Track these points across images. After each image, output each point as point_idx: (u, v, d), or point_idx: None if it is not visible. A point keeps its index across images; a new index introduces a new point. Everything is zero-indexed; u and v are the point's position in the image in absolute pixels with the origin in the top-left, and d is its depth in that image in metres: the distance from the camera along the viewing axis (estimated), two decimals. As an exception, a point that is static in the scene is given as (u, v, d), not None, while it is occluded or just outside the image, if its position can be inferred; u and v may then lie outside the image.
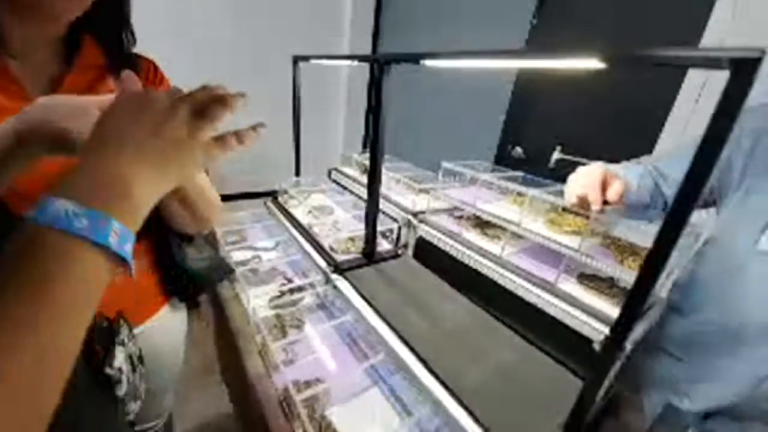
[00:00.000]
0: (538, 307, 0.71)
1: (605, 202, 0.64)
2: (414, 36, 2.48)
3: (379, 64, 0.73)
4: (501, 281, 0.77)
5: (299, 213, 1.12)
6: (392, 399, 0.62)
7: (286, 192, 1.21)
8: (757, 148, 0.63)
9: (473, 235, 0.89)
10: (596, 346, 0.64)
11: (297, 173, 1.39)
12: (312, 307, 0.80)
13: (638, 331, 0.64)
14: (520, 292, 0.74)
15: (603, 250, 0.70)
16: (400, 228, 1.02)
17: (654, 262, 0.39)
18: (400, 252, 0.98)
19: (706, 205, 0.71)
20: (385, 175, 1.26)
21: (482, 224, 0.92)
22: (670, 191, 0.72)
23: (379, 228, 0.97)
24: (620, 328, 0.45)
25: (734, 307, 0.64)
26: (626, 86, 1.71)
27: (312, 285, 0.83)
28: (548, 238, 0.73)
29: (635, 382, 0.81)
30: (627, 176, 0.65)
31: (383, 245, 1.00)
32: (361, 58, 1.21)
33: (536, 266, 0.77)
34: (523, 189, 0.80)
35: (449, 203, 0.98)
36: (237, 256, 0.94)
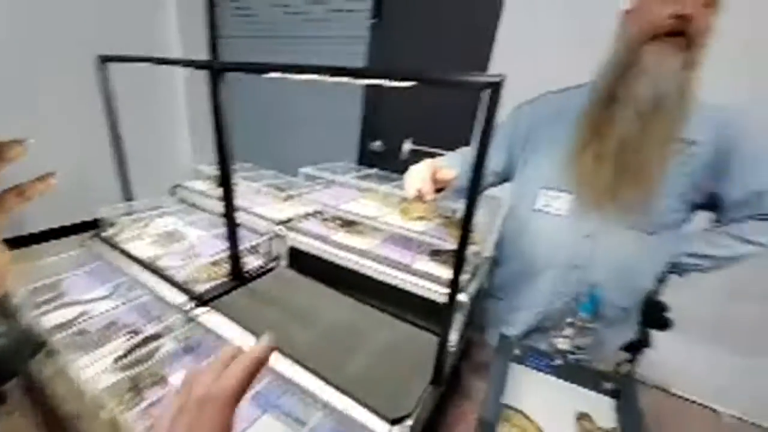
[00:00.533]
0: (402, 288, 0.82)
1: (438, 190, 0.78)
2: (256, 31, 2.35)
3: (213, 72, 0.67)
4: (370, 273, 0.84)
5: (139, 246, 0.95)
6: (285, 418, 0.62)
7: (113, 224, 1.00)
8: (530, 135, 0.85)
9: (342, 235, 0.94)
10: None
11: (127, 197, 1.15)
12: (175, 353, 0.71)
13: (473, 286, 0.81)
14: (386, 278, 0.83)
15: (442, 230, 0.85)
16: (270, 240, 0.99)
17: (464, 230, 0.50)
18: (273, 265, 0.95)
19: (503, 181, 0.95)
20: (248, 186, 1.18)
21: (348, 223, 0.97)
22: None
23: (245, 244, 0.91)
24: (452, 285, 0.56)
25: (527, 252, 0.87)
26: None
27: (169, 328, 0.73)
28: (401, 227, 0.84)
29: (480, 325, 1.03)
30: (450, 166, 0.80)
31: (254, 262, 0.95)
32: (186, 63, 1.08)
33: (398, 252, 0.88)
34: (374, 186, 0.89)
35: (315, 207, 1.01)
36: (54, 318, 0.73)
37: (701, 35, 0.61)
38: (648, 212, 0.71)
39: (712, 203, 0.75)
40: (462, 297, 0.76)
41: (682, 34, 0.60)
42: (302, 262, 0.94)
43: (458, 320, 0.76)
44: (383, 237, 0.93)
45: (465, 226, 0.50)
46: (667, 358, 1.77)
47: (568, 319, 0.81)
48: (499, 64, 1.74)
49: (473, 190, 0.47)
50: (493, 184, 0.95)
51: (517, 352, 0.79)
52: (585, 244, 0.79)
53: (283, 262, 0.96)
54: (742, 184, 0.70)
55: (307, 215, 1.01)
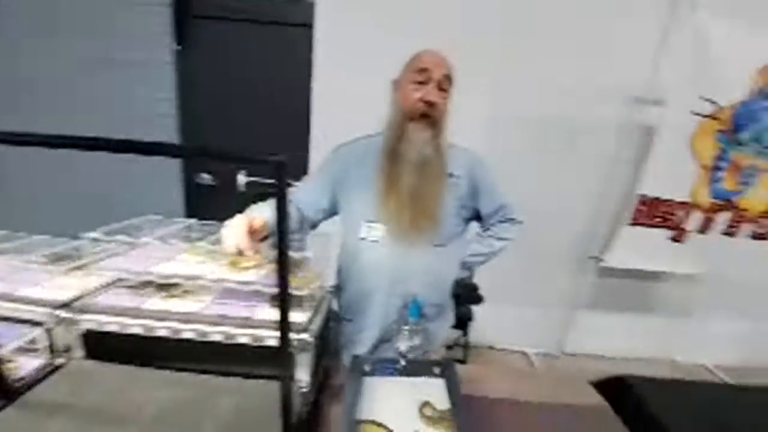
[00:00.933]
0: (245, 343, 0.77)
1: (264, 238, 0.78)
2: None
3: None
4: (203, 337, 0.76)
5: None
6: None
7: None
8: (346, 174, 0.97)
9: (157, 301, 0.81)
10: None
11: None
12: None
13: (317, 321, 0.83)
14: (225, 338, 0.76)
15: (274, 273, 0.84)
16: (49, 330, 0.76)
17: (281, 268, 0.51)
18: (60, 362, 0.74)
19: (332, 215, 1.02)
20: (6, 263, 0.87)
21: (165, 287, 0.85)
22: (307, 212, 0.97)
23: (10, 345, 0.68)
24: (281, 331, 0.55)
25: (360, 276, 0.98)
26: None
27: None
28: (230, 279, 0.79)
29: (336, 350, 1.08)
30: (263, 216, 0.80)
31: (29, 365, 0.71)
32: None
33: (235, 306, 0.82)
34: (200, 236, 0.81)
35: (115, 275, 0.83)
36: None
37: (441, 115, 0.89)
38: (440, 231, 0.95)
39: (477, 216, 1.06)
40: (306, 336, 0.77)
41: (429, 116, 0.87)
42: (106, 346, 0.76)
43: (305, 359, 0.77)
44: (215, 294, 0.85)
45: (281, 278, 0.51)
46: (488, 323, 2.26)
47: (403, 327, 0.93)
48: (318, 104, 1.85)
49: (280, 251, 0.48)
50: (324, 219, 1.02)
51: (367, 367, 0.86)
52: (402, 262, 0.95)
53: (78, 353, 0.76)
54: (490, 201, 1.03)
55: (104, 287, 0.83)
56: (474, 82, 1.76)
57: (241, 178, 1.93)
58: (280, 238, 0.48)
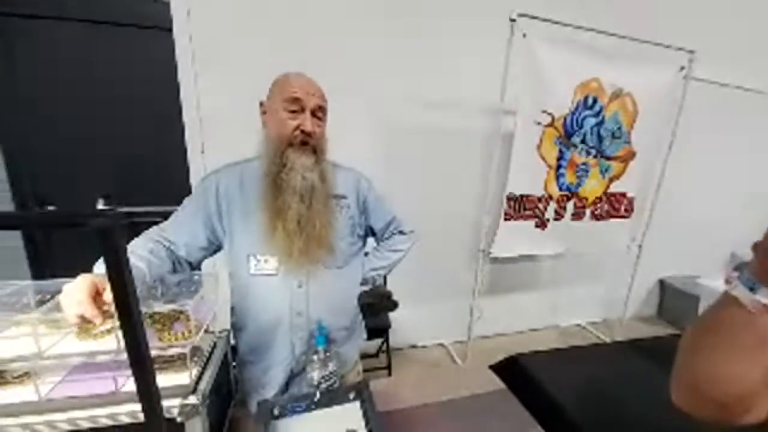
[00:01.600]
0: (116, 424, 0.64)
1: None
2: None
3: None
4: (51, 428, 0.60)
5: None
6: None
7: None
8: (223, 205, 0.88)
9: None
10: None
11: None
12: None
13: (207, 377, 0.74)
14: (83, 424, 0.62)
15: (149, 332, 0.72)
16: None
17: (129, 335, 0.42)
18: None
19: (217, 251, 0.93)
20: None
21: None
22: (183, 252, 0.87)
23: None
24: (144, 397, 0.46)
25: (257, 313, 0.91)
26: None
27: None
28: (81, 353, 0.65)
29: (243, 398, 0.98)
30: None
31: None
32: None
33: (93, 383, 0.67)
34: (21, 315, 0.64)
35: None
36: None
37: (320, 140, 0.88)
38: (335, 255, 0.93)
39: (371, 231, 1.08)
40: (193, 399, 0.68)
41: (308, 143, 0.85)
42: None
43: (197, 426, 0.68)
44: (63, 373, 0.69)
45: (131, 347, 0.43)
46: (407, 325, 2.36)
47: (312, 357, 0.89)
48: (190, 117, 1.70)
49: (123, 323, 0.41)
50: (206, 257, 0.92)
51: (276, 410, 0.79)
52: (300, 292, 0.92)
53: None
54: (380, 216, 1.06)
55: None
56: (354, 98, 1.88)
57: (101, 208, 1.63)
58: (120, 311, 0.40)
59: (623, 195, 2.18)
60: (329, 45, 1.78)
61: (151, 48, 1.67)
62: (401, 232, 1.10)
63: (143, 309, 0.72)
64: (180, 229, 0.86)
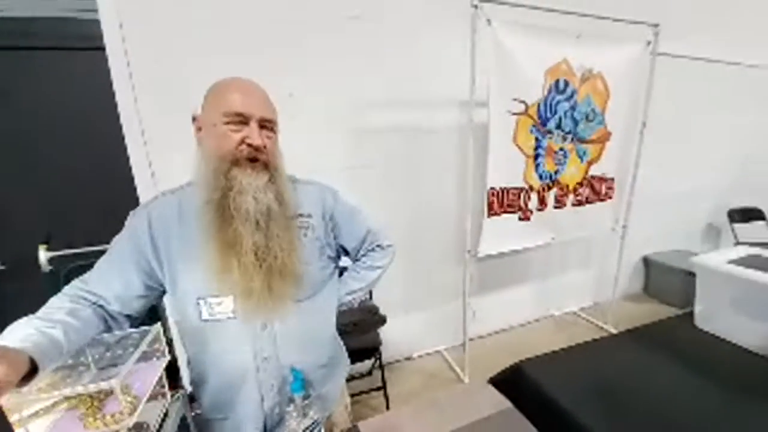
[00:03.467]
0: None
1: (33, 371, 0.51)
2: None
3: None
4: None
5: None
6: None
7: None
8: (159, 243, 0.74)
9: None
10: None
11: None
12: None
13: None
14: None
15: (74, 416, 0.58)
16: None
17: None
18: None
19: (160, 297, 0.78)
20: None
21: None
22: (116, 306, 0.71)
23: None
24: None
25: (216, 364, 0.77)
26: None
27: None
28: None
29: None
30: (27, 339, 0.54)
31: None
32: None
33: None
34: None
35: None
36: None
37: (273, 157, 0.74)
38: (303, 284, 0.79)
39: (344, 251, 0.94)
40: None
41: (257, 159, 0.72)
42: None
43: None
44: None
45: None
46: (399, 337, 2.24)
47: (288, 408, 0.76)
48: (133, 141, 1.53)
49: None
50: (145, 306, 0.77)
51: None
52: (264, 335, 0.78)
53: None
54: (352, 232, 0.92)
55: None
56: (318, 102, 1.76)
57: (44, 254, 1.44)
58: None
59: (603, 177, 2.14)
60: (285, 50, 1.64)
61: (84, 71, 1.49)
62: (379, 247, 0.96)
63: (57, 391, 0.57)
64: (108, 279, 0.71)
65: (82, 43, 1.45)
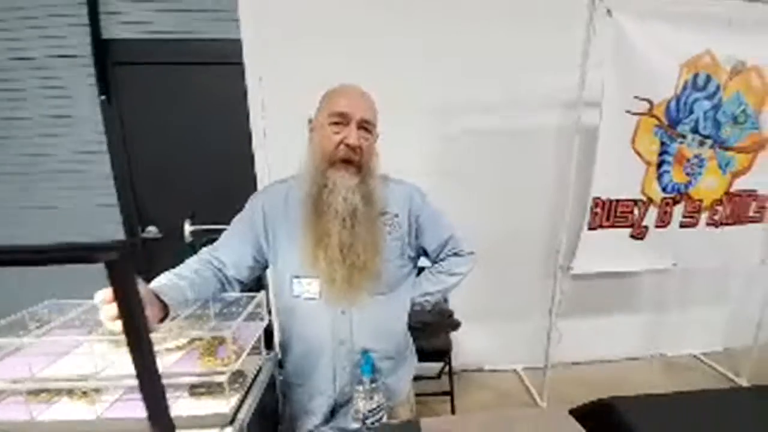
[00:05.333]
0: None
1: (165, 316, 0.66)
2: None
3: None
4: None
5: None
6: None
7: None
8: (268, 225, 0.86)
9: (61, 406, 0.67)
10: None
11: None
12: None
13: (248, 405, 0.71)
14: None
15: (194, 355, 0.72)
16: None
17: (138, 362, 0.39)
18: None
19: (264, 269, 0.92)
20: None
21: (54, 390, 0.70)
22: (232, 271, 0.86)
23: None
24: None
25: (301, 336, 0.87)
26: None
27: None
28: (129, 375, 0.65)
29: (290, 421, 0.94)
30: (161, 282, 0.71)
31: None
32: None
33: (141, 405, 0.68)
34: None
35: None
36: None
37: (366, 158, 0.80)
38: (382, 280, 0.84)
39: (424, 252, 0.96)
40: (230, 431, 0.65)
41: (351, 161, 0.78)
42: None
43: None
44: (122, 391, 0.71)
45: (141, 374, 0.39)
46: (473, 345, 2.16)
47: (357, 388, 0.81)
48: (260, 144, 1.77)
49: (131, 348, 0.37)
50: (253, 276, 0.90)
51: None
52: (343, 319, 0.85)
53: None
54: (434, 236, 0.93)
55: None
56: (419, 104, 1.79)
57: (188, 227, 1.79)
58: (131, 345, 0.37)
59: (752, 194, 1.71)
60: (383, 60, 1.72)
61: (225, 81, 1.80)
62: (458, 254, 0.96)
63: (182, 337, 0.72)
64: (228, 248, 0.86)
65: (225, 59, 1.76)
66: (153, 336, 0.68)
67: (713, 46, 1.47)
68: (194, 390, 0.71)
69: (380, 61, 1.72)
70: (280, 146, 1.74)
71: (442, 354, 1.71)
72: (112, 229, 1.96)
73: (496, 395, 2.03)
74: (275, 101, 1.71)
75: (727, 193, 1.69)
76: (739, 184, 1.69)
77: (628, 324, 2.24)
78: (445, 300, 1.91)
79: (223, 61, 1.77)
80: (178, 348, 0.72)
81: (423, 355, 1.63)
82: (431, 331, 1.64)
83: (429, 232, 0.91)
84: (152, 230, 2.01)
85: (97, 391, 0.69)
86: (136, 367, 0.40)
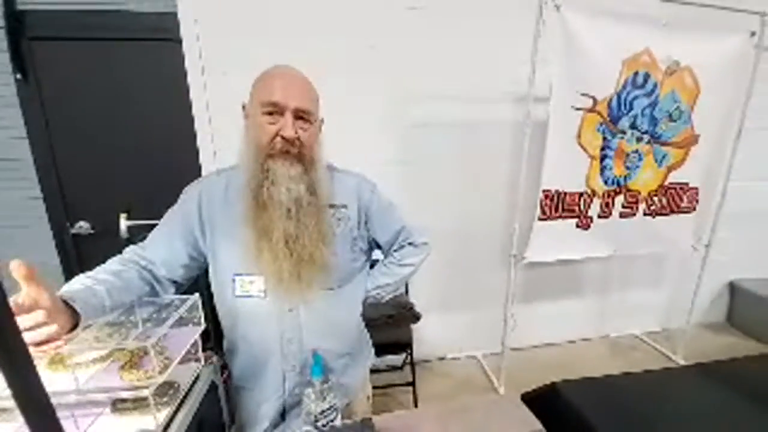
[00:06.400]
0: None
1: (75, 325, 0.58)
2: None
3: None
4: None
5: None
6: None
7: None
8: (205, 219, 0.79)
9: None
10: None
11: None
12: None
13: (181, 419, 0.65)
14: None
15: (114, 366, 0.64)
16: None
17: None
18: None
19: (201, 269, 0.85)
20: None
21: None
22: (163, 270, 0.78)
23: None
24: None
25: (246, 338, 0.81)
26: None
27: None
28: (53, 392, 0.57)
29: (240, 427, 0.89)
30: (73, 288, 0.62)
31: None
32: None
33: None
34: None
35: None
36: None
37: (308, 148, 0.75)
38: (331, 274, 0.80)
39: (377, 244, 0.93)
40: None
41: (290, 153, 0.73)
42: None
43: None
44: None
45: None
46: (433, 335, 2.19)
47: (307, 391, 0.78)
48: (202, 127, 1.66)
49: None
50: (190, 275, 0.83)
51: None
52: (290, 317, 0.80)
53: None
54: (386, 227, 0.90)
55: None
56: (369, 96, 1.76)
57: (124, 223, 1.63)
58: None
59: (685, 186, 1.86)
60: (339, 44, 1.67)
61: (162, 60, 1.65)
62: (411, 244, 0.94)
63: (100, 348, 0.64)
64: (159, 245, 0.78)
65: (160, 35, 1.60)
66: (68, 348, 0.60)
67: (651, 45, 1.57)
68: (117, 406, 0.63)
69: (334, 46, 1.66)
70: (227, 133, 1.63)
71: (404, 346, 1.71)
72: (37, 225, 1.75)
73: (457, 383, 2.07)
74: (221, 84, 1.60)
75: (662, 185, 1.82)
76: (674, 177, 1.83)
77: (575, 308, 2.38)
78: (406, 292, 1.91)
79: (158, 37, 1.61)
80: (94, 361, 0.64)
81: (385, 348, 1.64)
82: (392, 323, 1.64)
83: (380, 223, 0.88)
84: (83, 226, 1.82)
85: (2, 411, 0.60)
86: (12, 388, 0.33)
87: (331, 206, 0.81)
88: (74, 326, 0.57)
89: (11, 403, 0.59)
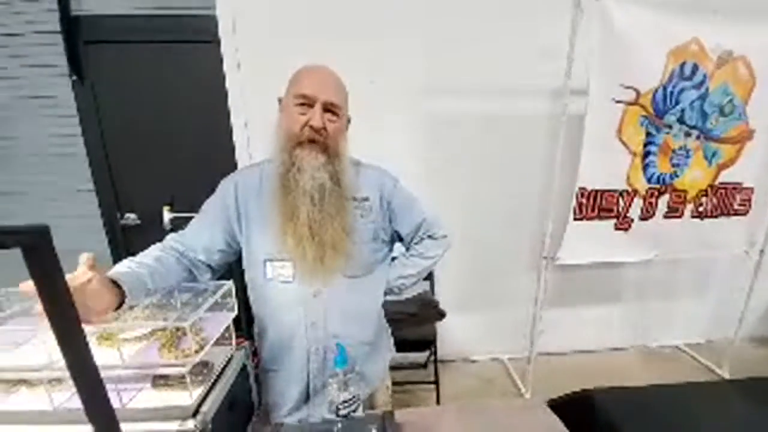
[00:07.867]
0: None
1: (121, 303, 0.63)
2: None
3: None
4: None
5: None
6: None
7: None
8: (241, 208, 0.84)
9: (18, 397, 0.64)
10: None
11: None
12: None
13: (214, 397, 0.68)
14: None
15: (155, 346, 0.68)
16: None
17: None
18: None
19: (236, 254, 0.89)
20: None
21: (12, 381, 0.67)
22: (203, 256, 0.83)
23: None
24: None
25: (274, 320, 0.86)
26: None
27: None
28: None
29: (266, 409, 0.93)
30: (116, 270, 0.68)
31: None
32: None
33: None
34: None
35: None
36: None
37: (333, 139, 0.78)
38: (352, 262, 0.83)
39: (398, 236, 0.95)
40: (191, 424, 0.62)
41: (317, 142, 0.77)
42: None
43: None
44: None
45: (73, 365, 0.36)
46: (458, 335, 2.17)
47: (329, 379, 0.80)
48: (238, 123, 1.72)
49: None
50: (225, 261, 0.88)
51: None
52: (315, 302, 0.83)
53: None
54: (407, 220, 0.92)
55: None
56: (405, 90, 1.76)
57: (167, 215, 1.74)
58: (57, 332, 0.34)
59: (738, 186, 1.72)
60: (370, 42, 1.68)
61: (201, 61, 1.74)
62: (431, 237, 0.95)
63: (145, 326, 0.69)
64: (199, 232, 0.84)
65: (201, 37, 1.69)
66: (116, 324, 0.65)
67: (700, 34, 1.46)
68: (157, 382, 0.68)
69: (366, 45, 1.68)
70: (262, 131, 1.69)
71: (428, 344, 1.71)
72: (91, 216, 1.91)
73: (481, 384, 2.04)
74: (256, 83, 1.66)
75: (712, 185, 1.69)
76: (725, 176, 1.69)
77: (610, 315, 2.26)
78: (432, 291, 1.90)
79: (199, 39, 1.70)
80: (138, 339, 0.69)
81: (408, 345, 1.64)
82: (416, 321, 1.64)
83: (401, 217, 0.91)
84: (131, 217, 1.96)
85: (57, 381, 0.66)
86: (66, 359, 0.37)
87: (354, 199, 0.84)
88: (120, 304, 0.62)
89: (66, 374, 0.65)
